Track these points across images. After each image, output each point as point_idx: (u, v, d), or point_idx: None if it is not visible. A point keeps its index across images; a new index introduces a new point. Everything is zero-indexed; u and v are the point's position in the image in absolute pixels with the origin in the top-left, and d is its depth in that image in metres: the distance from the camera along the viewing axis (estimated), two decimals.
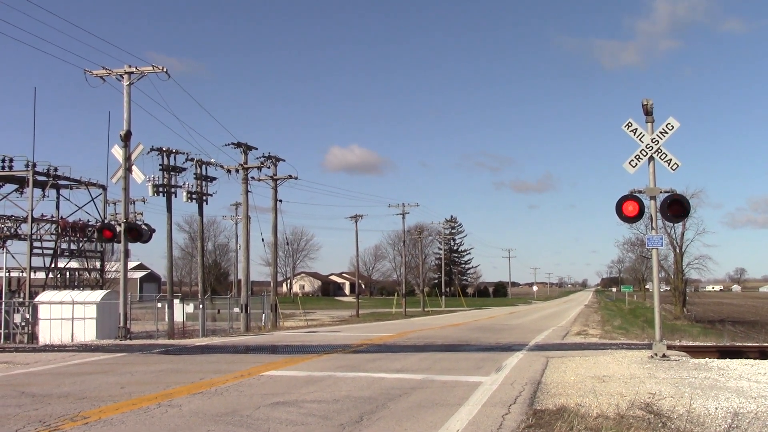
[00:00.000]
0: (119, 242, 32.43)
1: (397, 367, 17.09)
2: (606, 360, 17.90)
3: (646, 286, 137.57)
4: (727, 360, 18.22)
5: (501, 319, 54.93)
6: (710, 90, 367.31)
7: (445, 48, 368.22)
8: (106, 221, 45.51)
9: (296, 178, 48.56)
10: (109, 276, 57.38)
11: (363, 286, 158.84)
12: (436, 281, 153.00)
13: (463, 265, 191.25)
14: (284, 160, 48.98)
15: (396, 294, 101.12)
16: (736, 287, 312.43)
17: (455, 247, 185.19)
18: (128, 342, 28.35)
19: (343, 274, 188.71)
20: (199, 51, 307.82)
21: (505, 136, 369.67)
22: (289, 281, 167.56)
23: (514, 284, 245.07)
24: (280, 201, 49.14)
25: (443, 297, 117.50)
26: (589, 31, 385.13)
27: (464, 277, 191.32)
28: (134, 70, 32.03)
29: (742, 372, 15.37)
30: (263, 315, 46.38)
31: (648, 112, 18.93)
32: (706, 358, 18.49)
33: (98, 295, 36.38)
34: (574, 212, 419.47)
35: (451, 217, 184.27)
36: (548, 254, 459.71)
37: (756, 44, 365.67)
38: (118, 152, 31.75)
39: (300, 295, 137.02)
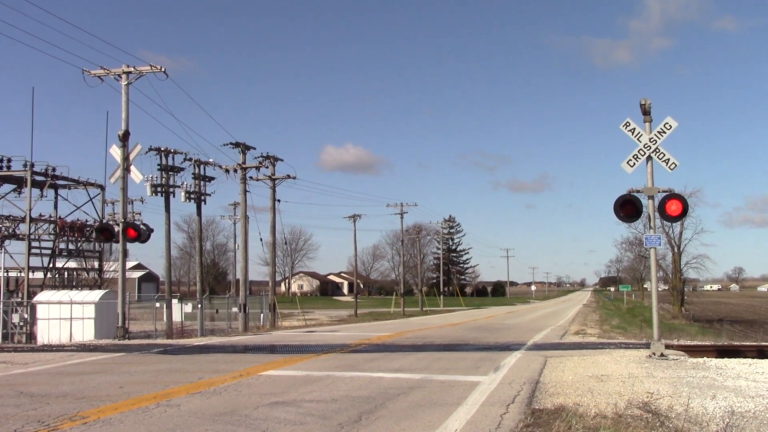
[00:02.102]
0: (117, 242, 32.47)
1: (396, 366, 17.11)
2: (604, 359, 17.92)
3: (645, 286, 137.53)
4: (725, 359, 18.27)
5: (499, 318, 54.97)
6: (705, 88, 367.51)
7: (440, 47, 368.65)
8: (104, 221, 45.56)
9: (294, 178, 48.56)
10: (108, 276, 57.29)
11: (361, 286, 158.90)
12: (435, 281, 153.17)
13: (462, 265, 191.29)
14: (282, 160, 49.00)
15: (394, 293, 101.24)
16: (734, 286, 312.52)
17: (453, 247, 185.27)
18: (126, 342, 28.37)
19: (342, 274, 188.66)
20: (191, 49, 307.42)
21: (501, 135, 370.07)
22: (287, 281, 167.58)
23: (512, 284, 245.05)
24: (279, 201, 49.10)
25: (441, 296, 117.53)
26: (581, 29, 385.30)
27: (463, 277, 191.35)
28: (132, 69, 32.03)
29: (740, 371, 15.40)
30: (262, 315, 46.36)
31: (646, 111, 18.96)
32: (704, 358, 18.53)
33: (96, 294, 36.37)
34: (572, 212, 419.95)
35: (450, 216, 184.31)
36: (546, 254, 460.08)
37: (750, 43, 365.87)
38: (116, 152, 31.74)
39: (298, 294, 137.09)
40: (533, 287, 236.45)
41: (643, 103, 19.01)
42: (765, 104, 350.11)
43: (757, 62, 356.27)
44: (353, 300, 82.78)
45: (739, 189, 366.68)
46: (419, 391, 12.94)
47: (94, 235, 45.78)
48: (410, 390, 13.08)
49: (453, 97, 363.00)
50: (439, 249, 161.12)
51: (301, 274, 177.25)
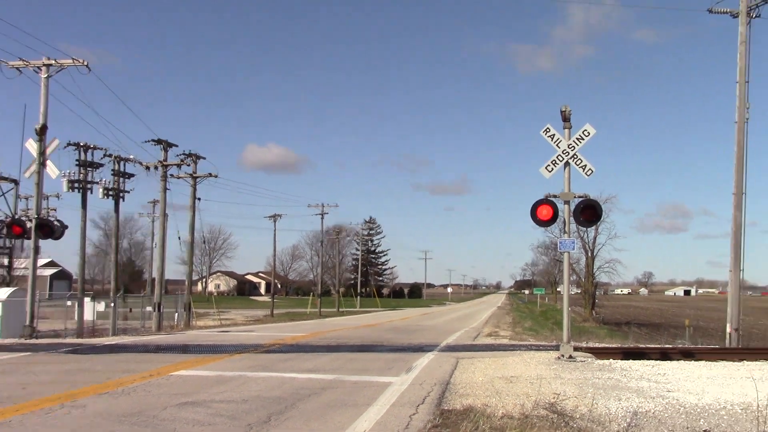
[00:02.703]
0: (29, 239, 31.60)
1: (309, 367, 17.09)
2: (514, 361, 18.21)
3: (558, 289, 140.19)
4: (630, 361, 18.75)
5: (415, 320, 55.33)
6: (623, 97, 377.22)
7: (363, 49, 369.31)
8: (16, 217, 44.25)
9: (216, 177, 48.03)
10: (18, 273, 55.68)
11: (279, 286, 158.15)
12: (353, 282, 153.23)
13: (380, 266, 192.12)
14: (204, 158, 48.32)
15: (311, 294, 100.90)
16: (643, 291, 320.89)
17: (373, 248, 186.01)
18: (34, 341, 27.64)
19: (260, 274, 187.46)
20: (115, 44, 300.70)
21: (422, 137, 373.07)
22: (204, 280, 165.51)
23: (429, 285, 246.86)
24: (199, 199, 48.45)
25: (359, 297, 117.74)
26: (504, 35, 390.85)
27: (380, 278, 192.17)
28: (53, 62, 31.20)
29: (643, 372, 15.86)
30: (176, 314, 45.71)
31: (566, 118, 19.29)
32: (611, 359, 18.98)
33: (4, 292, 35.32)
34: (490, 215, 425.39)
35: (370, 218, 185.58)
36: (464, 256, 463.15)
37: (667, 54, 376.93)
38: (32, 146, 30.89)
39: (215, 294, 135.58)
40: (450, 289, 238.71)
41: (563, 110, 19.33)
42: (679, 114, 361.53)
43: (672, 74, 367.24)
44: (270, 300, 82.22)
45: (652, 196, 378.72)
46: (331, 392, 12.97)
47: (4, 231, 44.49)
48: (322, 390, 13.10)
49: (376, 98, 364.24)
50: (358, 250, 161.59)
51: (218, 274, 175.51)
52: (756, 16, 30.00)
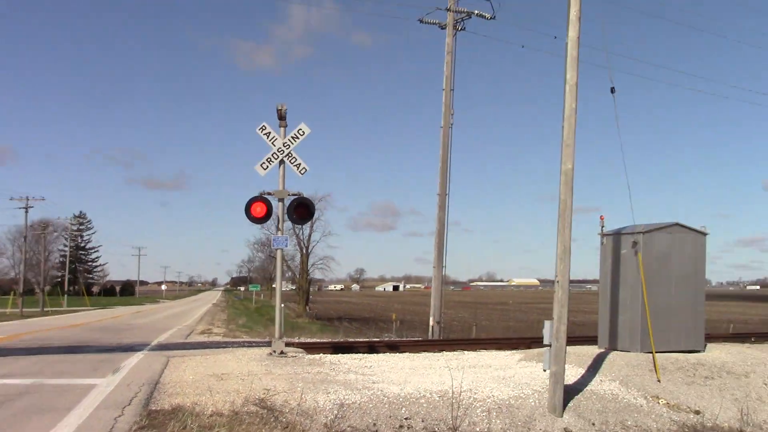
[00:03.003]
0: None
1: (4, 372, 15.87)
2: (226, 358, 18.12)
3: (274, 285, 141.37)
4: (340, 355, 19.37)
5: (126, 318, 53.39)
6: (340, 98, 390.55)
7: (76, 38, 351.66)
8: None
9: None
10: None
11: None
12: (60, 280, 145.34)
13: (90, 263, 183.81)
14: None
15: (12, 293, 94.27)
16: (355, 286, 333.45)
17: (83, 245, 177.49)
18: None
19: None
20: None
21: (138, 131, 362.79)
22: None
23: (143, 283, 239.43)
24: None
25: (66, 296, 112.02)
26: (224, 30, 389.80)
27: (91, 276, 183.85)
28: None
29: (351, 366, 16.43)
30: None
31: (282, 116, 19.44)
32: (321, 354, 19.47)
33: None
34: (207, 211, 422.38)
35: (80, 212, 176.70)
36: (179, 253, 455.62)
37: (380, 58, 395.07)
38: None
39: None
40: (164, 287, 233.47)
41: (279, 108, 19.46)
42: (390, 117, 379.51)
43: (385, 78, 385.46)
44: None
45: (365, 195, 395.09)
46: (29, 397, 12.18)
47: None
48: (19, 396, 12.26)
49: (87, 89, 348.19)
50: (66, 246, 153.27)
51: None
52: (461, 29, 32.33)
